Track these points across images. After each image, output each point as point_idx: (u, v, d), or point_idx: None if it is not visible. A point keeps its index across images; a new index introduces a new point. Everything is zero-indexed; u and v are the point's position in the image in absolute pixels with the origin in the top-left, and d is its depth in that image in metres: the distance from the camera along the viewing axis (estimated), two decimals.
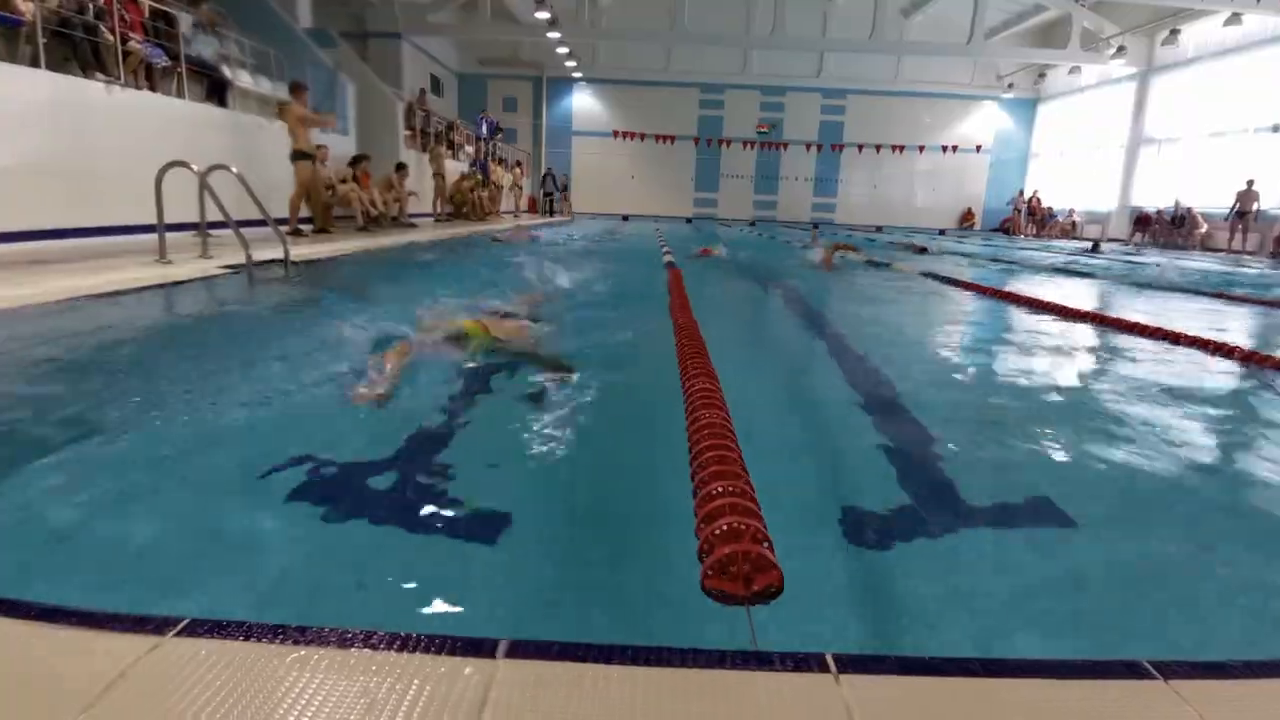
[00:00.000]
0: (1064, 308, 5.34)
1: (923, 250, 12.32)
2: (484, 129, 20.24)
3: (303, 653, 0.90)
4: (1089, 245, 16.54)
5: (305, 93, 9.40)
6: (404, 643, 0.93)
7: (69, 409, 2.22)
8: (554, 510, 1.69)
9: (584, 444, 2.07)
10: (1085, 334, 4.58)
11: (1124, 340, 4.30)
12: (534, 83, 26.36)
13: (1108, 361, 3.86)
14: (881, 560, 1.52)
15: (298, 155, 9.13)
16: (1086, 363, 3.85)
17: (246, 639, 0.92)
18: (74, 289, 4.21)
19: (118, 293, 4.30)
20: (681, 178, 27.45)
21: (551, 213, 24.95)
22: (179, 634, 0.91)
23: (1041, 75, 25.61)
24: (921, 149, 26.78)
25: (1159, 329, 4.35)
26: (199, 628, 0.93)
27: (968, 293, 6.69)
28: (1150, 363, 3.70)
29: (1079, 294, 7.15)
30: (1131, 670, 0.97)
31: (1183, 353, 3.90)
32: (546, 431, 2.15)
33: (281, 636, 0.92)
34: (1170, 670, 0.96)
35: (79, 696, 0.81)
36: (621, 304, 5.33)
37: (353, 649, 0.91)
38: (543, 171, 25.92)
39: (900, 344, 4.40)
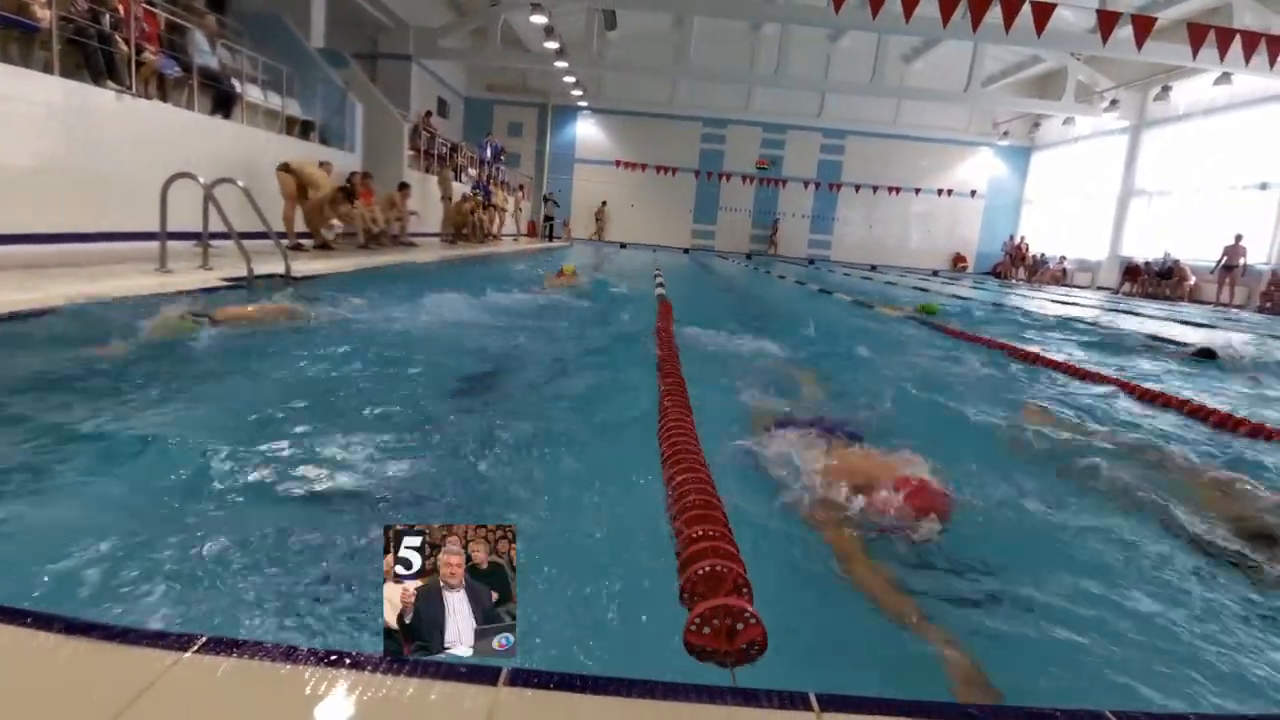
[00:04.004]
0: None
1: None
2: (487, 152, 20.49)
3: (314, 674, 0.95)
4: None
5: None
6: (410, 667, 0.97)
7: (57, 418, 2.25)
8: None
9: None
10: None
11: None
12: (539, 109, 26.75)
13: None
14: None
15: (283, 167, 9.32)
16: None
17: (261, 659, 0.96)
18: (74, 295, 4.24)
19: (117, 300, 4.32)
20: (681, 209, 27.79)
21: (551, 237, 25.17)
22: (199, 650, 0.96)
23: (1036, 124, 26.21)
24: (917, 191, 27.25)
25: None
26: (217, 646, 0.97)
27: None
28: None
29: None
30: (1094, 719, 1.02)
31: None
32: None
33: (294, 658, 0.97)
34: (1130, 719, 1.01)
35: (107, 708, 0.85)
36: None
37: (363, 672, 0.96)
38: (543, 194, 26.18)
39: None
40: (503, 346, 4.45)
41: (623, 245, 26.05)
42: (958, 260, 27.85)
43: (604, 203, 27.29)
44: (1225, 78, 16.29)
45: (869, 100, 24.73)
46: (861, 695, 1.03)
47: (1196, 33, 12.68)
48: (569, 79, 22.90)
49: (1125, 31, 13.30)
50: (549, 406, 3.06)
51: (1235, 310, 15.51)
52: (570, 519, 1.85)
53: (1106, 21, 12.98)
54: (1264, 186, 16.41)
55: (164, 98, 8.45)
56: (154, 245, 5.88)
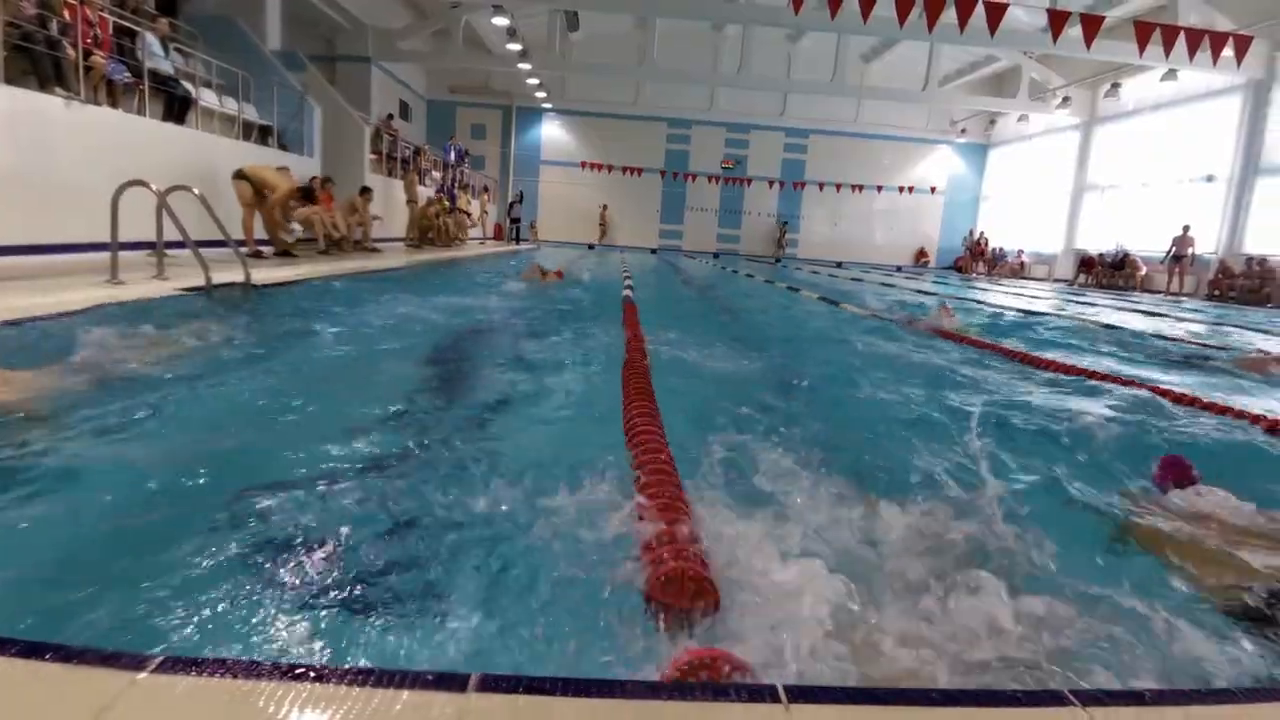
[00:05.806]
0: None
1: None
2: (451, 155, 20.31)
3: (275, 688, 0.93)
4: None
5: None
6: (376, 677, 0.96)
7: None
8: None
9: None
10: None
11: None
12: (503, 111, 26.58)
13: None
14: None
15: (238, 174, 9.12)
16: None
17: (221, 676, 0.94)
18: (17, 309, 4.10)
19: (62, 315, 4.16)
20: (648, 210, 27.85)
21: (518, 240, 25.02)
22: (155, 670, 0.93)
23: (992, 122, 26.79)
24: (879, 189, 27.67)
25: None
26: (175, 664, 0.95)
27: None
28: None
29: None
30: (1054, 699, 1.05)
31: None
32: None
33: (255, 673, 0.95)
34: (1090, 699, 1.04)
35: None
36: None
37: (327, 684, 0.94)
38: (510, 198, 25.95)
39: None
40: (479, 346, 4.42)
41: (591, 246, 26.00)
42: (920, 255, 28.35)
43: (605, 206, 27.24)
44: (1171, 74, 16.80)
45: (830, 100, 25.07)
46: (827, 685, 1.05)
47: (1143, 31, 13.09)
48: (532, 80, 22.80)
49: (1075, 30, 13.66)
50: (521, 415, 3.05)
51: (1185, 298, 16.02)
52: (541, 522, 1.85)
53: (1057, 21, 13.31)
54: (1210, 179, 16.97)
55: (114, 104, 8.22)
56: (107, 256, 5.70)
